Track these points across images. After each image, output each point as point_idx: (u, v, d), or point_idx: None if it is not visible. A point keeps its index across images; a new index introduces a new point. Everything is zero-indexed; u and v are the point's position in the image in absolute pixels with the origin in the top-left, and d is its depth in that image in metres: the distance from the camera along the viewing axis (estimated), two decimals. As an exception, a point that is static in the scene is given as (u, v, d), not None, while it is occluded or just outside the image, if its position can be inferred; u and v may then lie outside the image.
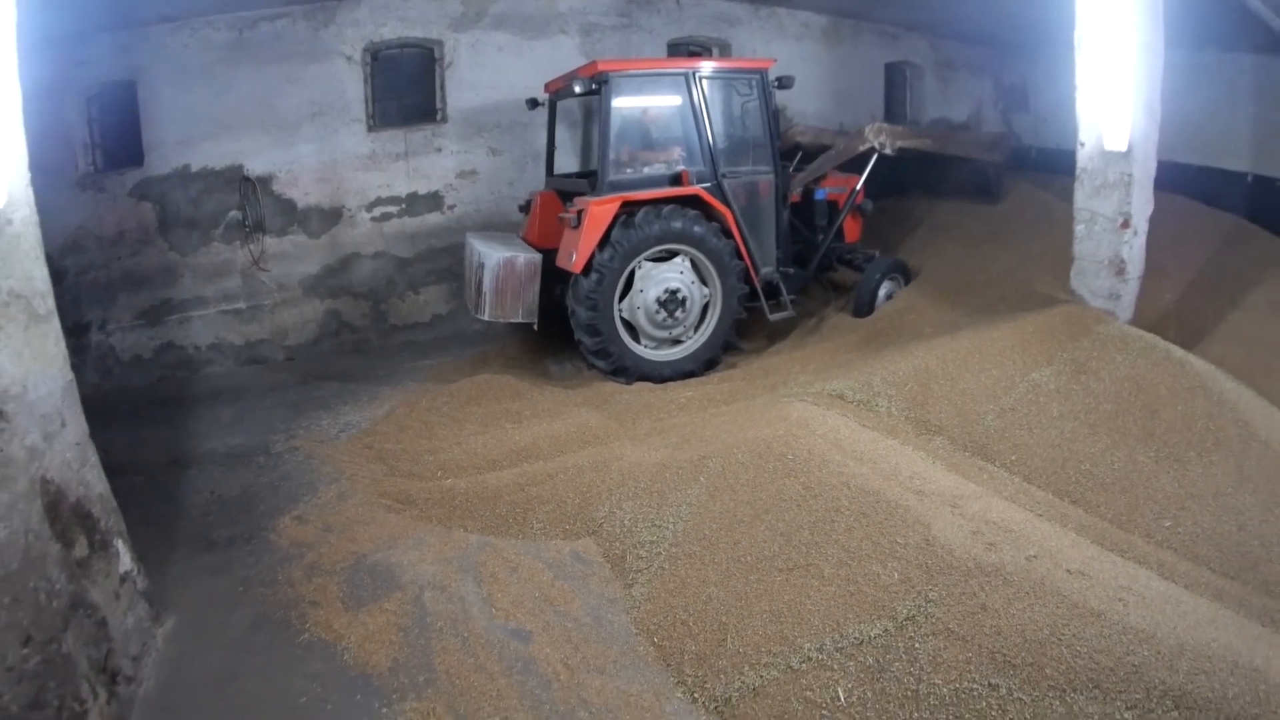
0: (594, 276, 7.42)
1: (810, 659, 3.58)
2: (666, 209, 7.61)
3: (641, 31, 10.72)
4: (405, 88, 10.04)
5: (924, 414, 5.70)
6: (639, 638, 4.11)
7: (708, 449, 5.22)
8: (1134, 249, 6.04)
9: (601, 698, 3.69)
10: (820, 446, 4.86)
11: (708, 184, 7.98)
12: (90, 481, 3.90)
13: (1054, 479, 4.97)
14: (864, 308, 8.69)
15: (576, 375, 7.89)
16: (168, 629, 4.28)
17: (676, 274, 7.84)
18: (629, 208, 7.54)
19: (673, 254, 7.83)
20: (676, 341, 8.03)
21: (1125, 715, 2.91)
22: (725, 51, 11.34)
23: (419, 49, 9.91)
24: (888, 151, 8.97)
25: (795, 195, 9.15)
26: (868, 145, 8.91)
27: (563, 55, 10.14)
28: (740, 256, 8.08)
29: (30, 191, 3.72)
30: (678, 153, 8.23)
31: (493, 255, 7.69)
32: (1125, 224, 5.98)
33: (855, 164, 9.09)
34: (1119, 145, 5.90)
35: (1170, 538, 4.42)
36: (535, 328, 8.07)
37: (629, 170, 8.02)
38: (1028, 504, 4.61)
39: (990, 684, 3.16)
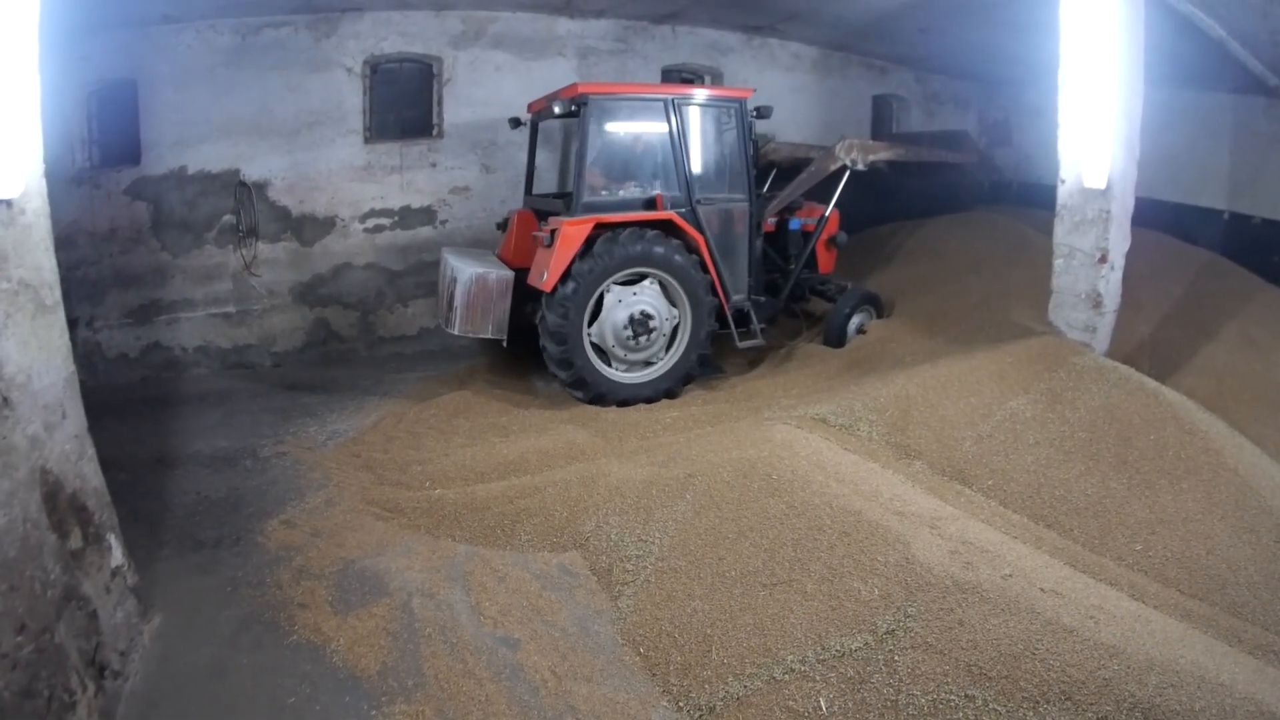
0: (564, 295, 7.35)
1: (793, 670, 3.67)
2: (638, 232, 7.59)
3: (637, 57, 10.84)
4: (403, 102, 10.10)
5: (904, 439, 5.82)
6: (625, 648, 4.19)
7: (693, 467, 5.31)
8: (1110, 283, 6.19)
9: (588, 704, 3.76)
10: (803, 467, 4.97)
11: (682, 209, 7.96)
12: (87, 474, 3.93)
13: (1029, 503, 5.10)
14: (835, 339, 8.75)
15: (563, 393, 7.93)
16: (155, 626, 4.30)
17: (646, 297, 7.79)
18: (602, 229, 7.51)
19: (643, 277, 7.81)
20: (648, 364, 7.99)
21: (1096, 727, 3.01)
22: (717, 79, 11.46)
23: (418, 64, 9.99)
24: (860, 167, 9.03)
25: (770, 224, 9.15)
26: (839, 163, 8.95)
27: (559, 77, 10.20)
28: (712, 282, 8.07)
29: (43, 184, 3.77)
30: (654, 177, 8.19)
31: (465, 270, 7.72)
32: (1103, 259, 6.13)
33: (833, 182, 9.11)
34: (1098, 183, 6.05)
35: (1141, 561, 4.56)
36: (505, 344, 8.10)
37: (604, 193, 8.00)
38: (1004, 526, 4.74)
39: (967, 695, 3.26)
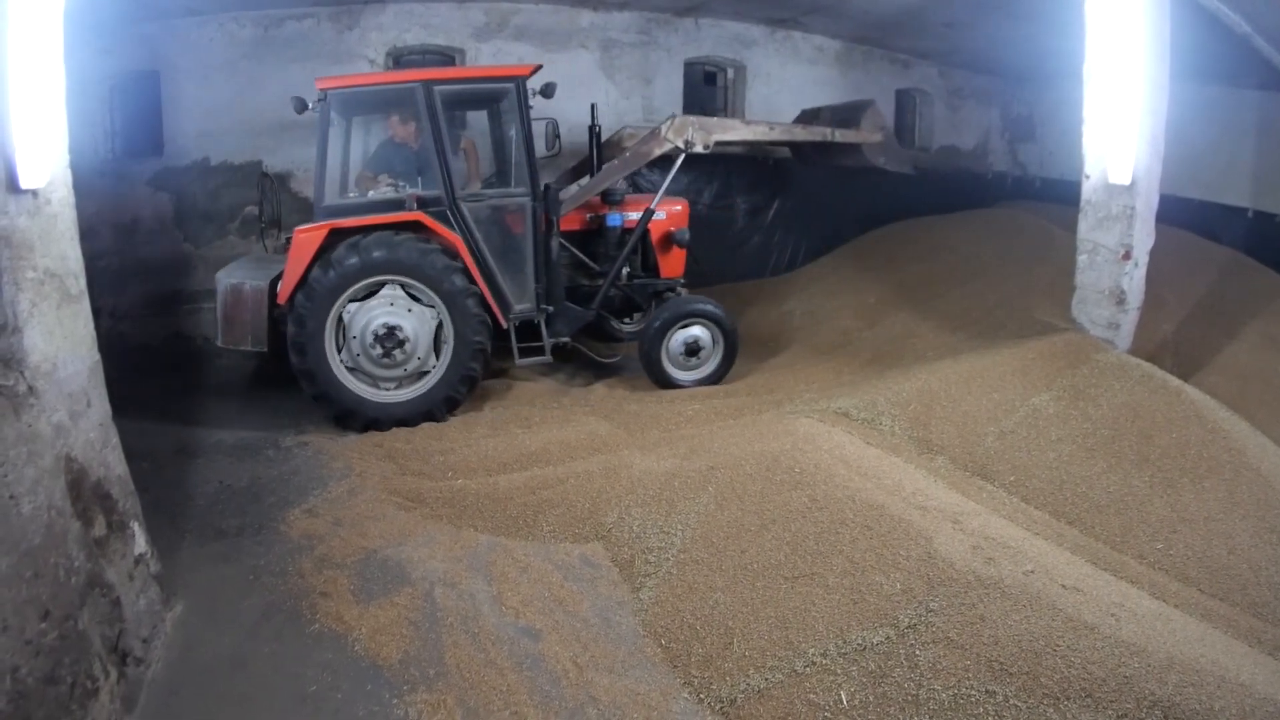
0: (300, 305, 6.76)
1: (814, 663, 3.68)
2: (386, 237, 6.87)
3: (659, 50, 10.83)
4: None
5: (926, 434, 5.80)
6: (646, 639, 4.21)
7: (716, 460, 5.31)
8: (1134, 280, 6.15)
9: (609, 695, 3.77)
10: (826, 461, 4.96)
11: (442, 208, 7.18)
12: (111, 462, 3.98)
13: (1051, 500, 5.07)
14: (650, 361, 7.86)
15: (586, 385, 7.93)
16: (177, 613, 4.33)
17: (387, 307, 7.00)
18: (340, 235, 6.84)
19: (399, 285, 7.04)
20: (420, 374, 7.19)
21: (1116, 725, 3.01)
22: (740, 72, 11.45)
23: (441, 56, 10.03)
24: (698, 149, 8.04)
25: (586, 221, 8.28)
26: (668, 146, 7.97)
27: (582, 69, 10.28)
28: (479, 291, 7.22)
29: (69, 174, 3.83)
30: (416, 174, 7.50)
31: (223, 281, 7.16)
32: (1127, 255, 6.09)
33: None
34: (1123, 179, 6.01)
35: (1162, 559, 4.53)
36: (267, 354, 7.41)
37: (353, 194, 7.42)
38: (1026, 523, 4.72)
39: (988, 691, 3.25)
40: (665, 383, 7.86)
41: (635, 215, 8.18)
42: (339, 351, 6.94)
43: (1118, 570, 4.31)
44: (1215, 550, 4.51)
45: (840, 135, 8.85)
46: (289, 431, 7.02)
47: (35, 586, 3.01)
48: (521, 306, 7.57)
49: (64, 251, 3.77)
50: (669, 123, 7.93)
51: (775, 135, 8.94)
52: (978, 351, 6.65)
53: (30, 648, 2.91)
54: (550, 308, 7.67)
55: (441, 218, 7.14)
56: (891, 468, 5.06)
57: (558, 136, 8.20)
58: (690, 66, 11.27)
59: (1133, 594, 3.94)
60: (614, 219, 8.19)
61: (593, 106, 8.31)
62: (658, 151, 7.97)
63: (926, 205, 11.83)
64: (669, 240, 8.45)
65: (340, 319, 6.90)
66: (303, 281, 6.76)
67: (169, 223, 9.17)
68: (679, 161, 8.07)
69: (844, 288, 10.25)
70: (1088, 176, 6.29)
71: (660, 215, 8.31)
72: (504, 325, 7.43)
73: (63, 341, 3.67)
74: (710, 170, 11.09)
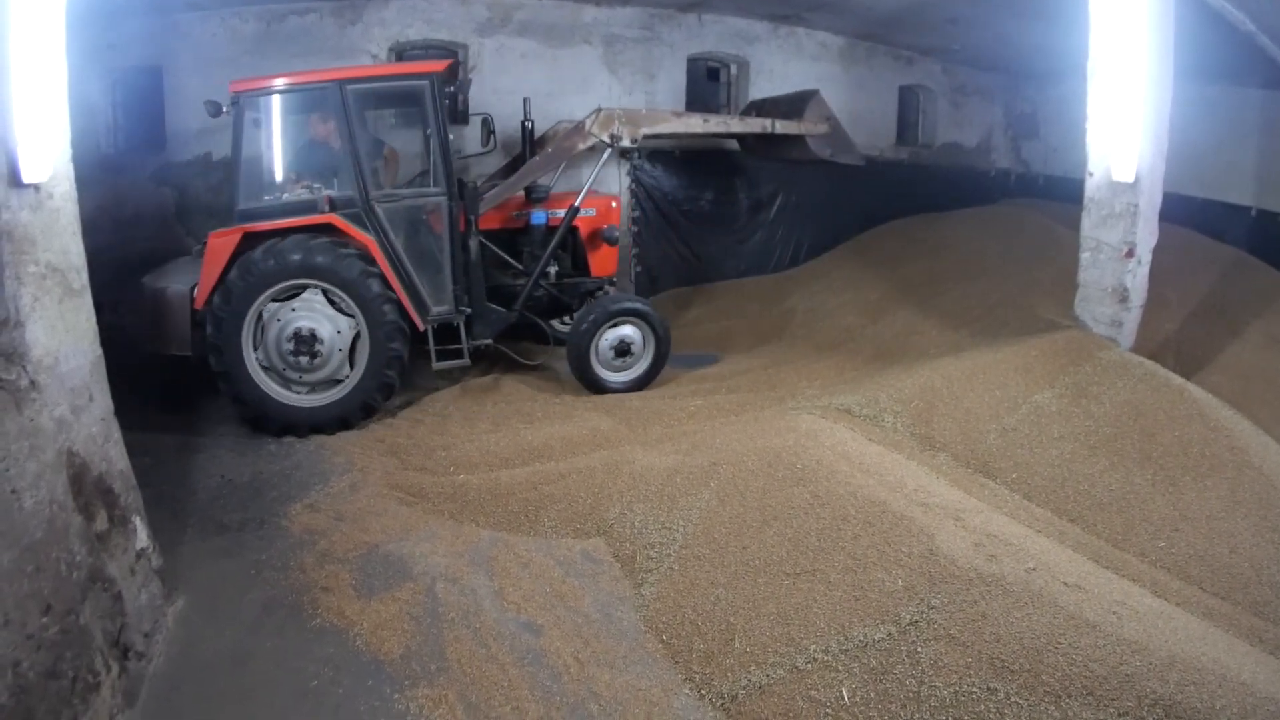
0: (216, 309, 6.68)
1: (815, 660, 3.68)
2: (301, 240, 6.77)
3: (663, 45, 10.80)
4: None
5: (928, 430, 5.80)
6: (648, 635, 4.21)
7: (718, 456, 5.30)
8: (1137, 278, 6.15)
9: (611, 691, 3.79)
10: (828, 457, 4.96)
11: (355, 209, 7.02)
12: (113, 457, 3.99)
13: (1053, 497, 5.08)
14: (579, 363, 7.70)
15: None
16: (179, 608, 4.34)
17: (307, 311, 6.89)
18: (254, 239, 6.75)
19: (306, 288, 6.91)
20: (334, 382, 7.05)
21: (1118, 722, 3.01)
22: (743, 68, 11.44)
23: (444, 51, 9.98)
24: (625, 144, 7.93)
25: (508, 219, 8.07)
26: (593, 141, 7.86)
27: (585, 65, 10.27)
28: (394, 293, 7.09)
29: (71, 168, 3.83)
30: (332, 175, 7.28)
31: (148, 286, 7.07)
32: (1130, 253, 6.08)
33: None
34: (1126, 176, 6.00)
35: (1164, 557, 4.53)
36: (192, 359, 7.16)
37: (268, 197, 7.18)
38: (1028, 520, 4.72)
39: (989, 688, 3.26)
40: (594, 385, 7.72)
41: (561, 213, 8.01)
42: (255, 349, 6.87)
43: (1119, 568, 4.31)
44: (1217, 549, 4.51)
45: (781, 127, 8.70)
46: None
47: (37, 581, 3.02)
48: (439, 308, 7.43)
49: (66, 246, 3.78)
50: (593, 116, 7.83)
51: (711, 127, 8.68)
52: (980, 349, 6.65)
53: (32, 642, 2.91)
54: (469, 310, 7.52)
55: (356, 219, 7.02)
56: (893, 464, 5.06)
57: (492, 132, 8.20)
58: (693, 62, 11.24)
59: (1134, 592, 3.94)
60: (538, 217, 8.01)
61: (525, 100, 8.35)
62: (581, 146, 7.88)
63: (929, 202, 11.82)
64: (599, 238, 8.27)
65: (260, 316, 6.84)
66: (219, 285, 6.70)
67: (171, 217, 9.15)
68: (604, 156, 7.96)
69: (846, 285, 10.25)
70: (1091, 174, 6.28)
71: (589, 212, 8.19)
72: (421, 328, 7.30)
73: (65, 336, 3.67)
74: (712, 166, 11.09)
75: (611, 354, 7.75)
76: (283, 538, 5.12)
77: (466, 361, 7.52)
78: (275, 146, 7.29)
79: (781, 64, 11.41)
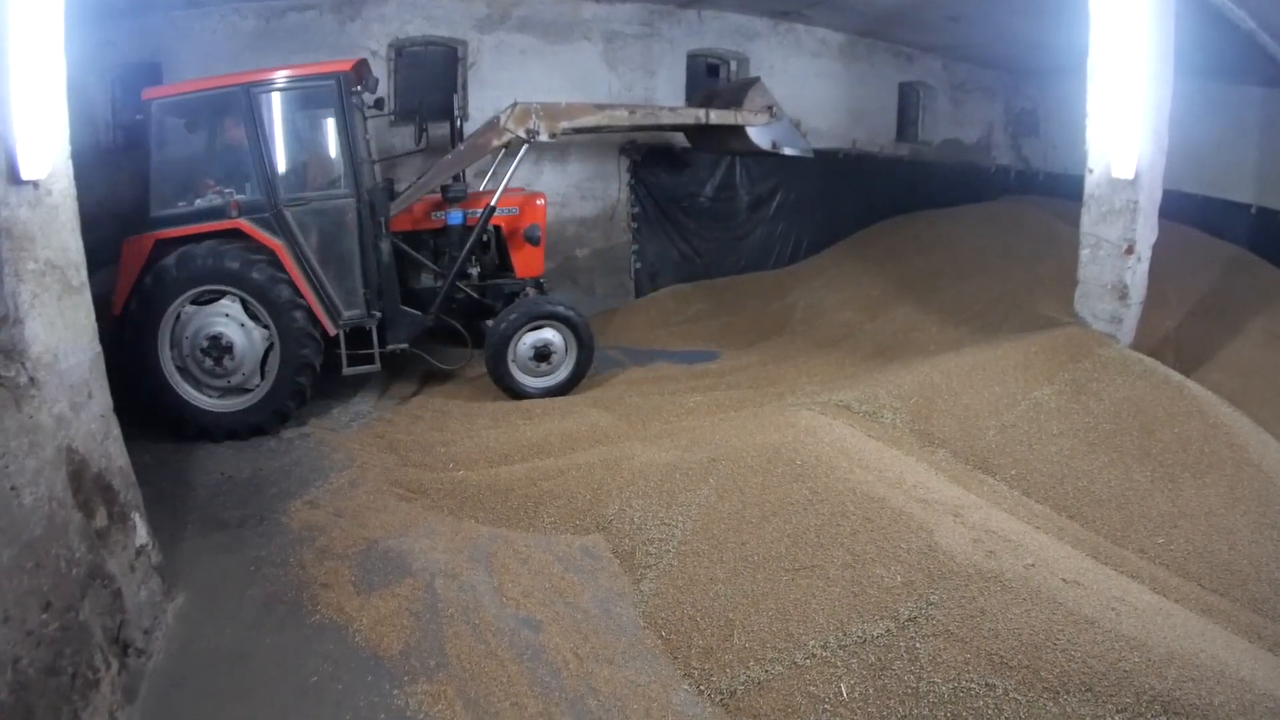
0: (131, 315, 6.61)
1: (814, 655, 3.68)
2: (215, 246, 6.73)
3: (663, 41, 10.77)
4: (427, 86, 10.04)
5: (928, 427, 5.80)
6: (647, 631, 4.22)
7: (717, 452, 5.31)
8: (1137, 275, 6.14)
9: (610, 686, 3.79)
10: (828, 454, 4.96)
11: (264, 214, 6.97)
12: (112, 454, 3.99)
13: (1052, 493, 5.08)
14: (495, 367, 7.50)
15: (589, 376, 7.91)
16: (179, 605, 4.35)
17: (222, 317, 6.81)
18: (167, 245, 6.66)
19: (223, 294, 6.83)
20: (244, 390, 6.94)
21: (1116, 718, 3.01)
22: (743, 65, 11.41)
23: (443, 48, 10.00)
24: (543, 138, 7.68)
25: (428, 219, 7.91)
26: (508, 137, 7.62)
27: (584, 61, 10.26)
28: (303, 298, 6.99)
29: (70, 165, 3.84)
30: (244, 180, 7.12)
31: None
32: (1129, 250, 6.08)
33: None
34: (1126, 173, 5.99)
35: (1162, 554, 4.54)
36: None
37: (182, 203, 7.03)
38: (1026, 516, 4.72)
39: (988, 684, 3.26)
40: (513, 391, 7.55)
41: (472, 213, 7.81)
42: (171, 349, 6.78)
43: (1118, 564, 4.31)
44: (1216, 545, 4.52)
45: (716, 116, 8.43)
46: (290, 422, 7.03)
47: (36, 577, 3.02)
48: (351, 313, 7.32)
49: (65, 243, 3.78)
50: (508, 111, 7.59)
51: (638, 120, 8.45)
52: (979, 345, 6.66)
53: (31, 639, 2.91)
54: (379, 314, 7.41)
55: (265, 224, 6.97)
56: (893, 461, 5.05)
57: (424, 130, 8.15)
58: (693, 59, 11.22)
59: (1133, 588, 3.94)
60: (454, 217, 7.77)
61: (453, 96, 8.33)
62: (496, 142, 7.69)
63: (929, 199, 11.82)
64: (521, 237, 8.07)
65: (179, 317, 6.76)
66: (134, 291, 6.66)
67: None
68: (521, 152, 7.74)
69: (846, 281, 10.26)
70: (1091, 171, 6.27)
71: (511, 211, 8.03)
72: (332, 333, 7.19)
73: (64, 332, 3.68)
74: (713, 162, 11.08)
75: (531, 358, 7.58)
76: (282, 534, 5.14)
77: (376, 367, 7.42)
78: (189, 152, 7.29)
79: (782, 60, 11.38)
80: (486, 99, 9.92)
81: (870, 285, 9.83)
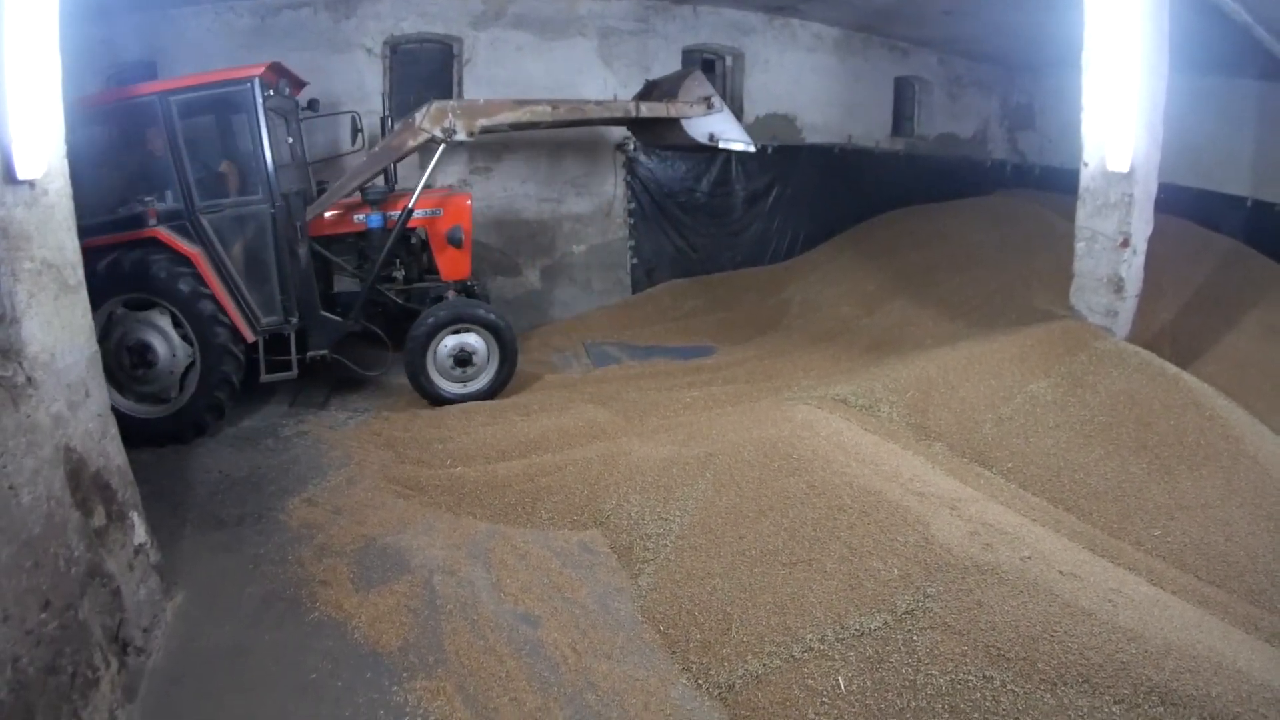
0: None
1: (812, 649, 3.70)
2: (137, 255, 6.65)
3: (658, 37, 10.75)
4: (423, 83, 10.07)
5: (924, 420, 5.80)
6: (645, 625, 4.24)
7: (714, 446, 5.32)
8: (1132, 268, 6.15)
9: (608, 681, 3.81)
10: (824, 447, 4.97)
11: (181, 221, 6.88)
12: (110, 453, 3.99)
13: (1049, 486, 5.09)
14: (414, 371, 7.37)
15: (583, 372, 7.91)
16: (178, 603, 4.36)
17: (151, 327, 6.79)
18: (91, 255, 6.45)
19: (152, 303, 6.79)
20: (162, 399, 6.88)
21: (1113, 709, 3.02)
22: (739, 60, 11.41)
23: (438, 45, 9.99)
24: (459, 138, 7.46)
25: (337, 224, 7.70)
26: (424, 137, 7.43)
27: (580, 57, 10.25)
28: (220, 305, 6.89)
29: (65, 164, 3.84)
30: (163, 188, 7.02)
31: None
32: (1125, 243, 6.09)
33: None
34: (1121, 166, 6.00)
35: (1159, 546, 4.55)
36: None
37: (105, 213, 6.85)
38: (1023, 509, 4.73)
39: (985, 676, 3.27)
40: (432, 397, 7.44)
41: (392, 215, 7.64)
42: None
43: (1115, 556, 4.32)
44: (1212, 537, 4.52)
45: (648, 110, 8.06)
46: (288, 420, 7.06)
47: (35, 576, 3.02)
48: (269, 319, 7.24)
49: (61, 242, 3.78)
50: (424, 110, 7.40)
51: (562, 115, 7.97)
52: (976, 339, 6.66)
53: (31, 637, 2.92)
54: (297, 320, 7.32)
55: (182, 231, 6.88)
56: (889, 454, 5.06)
57: (360, 131, 8.13)
58: (689, 54, 11.19)
59: (1130, 580, 3.94)
60: (374, 220, 7.59)
61: (384, 95, 8.26)
62: (412, 144, 7.47)
63: (925, 193, 11.83)
64: (444, 239, 7.81)
65: (110, 316, 6.70)
66: None
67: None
68: (439, 152, 7.51)
69: (842, 275, 10.27)
70: (1086, 164, 6.28)
71: (434, 212, 7.83)
72: (250, 339, 7.10)
73: (61, 332, 3.67)
74: (709, 158, 11.06)
75: (451, 363, 7.45)
76: (281, 532, 5.15)
77: (294, 373, 7.33)
78: (109, 161, 7.20)
79: (777, 55, 11.38)
80: (481, 95, 9.88)
81: (866, 280, 9.84)
